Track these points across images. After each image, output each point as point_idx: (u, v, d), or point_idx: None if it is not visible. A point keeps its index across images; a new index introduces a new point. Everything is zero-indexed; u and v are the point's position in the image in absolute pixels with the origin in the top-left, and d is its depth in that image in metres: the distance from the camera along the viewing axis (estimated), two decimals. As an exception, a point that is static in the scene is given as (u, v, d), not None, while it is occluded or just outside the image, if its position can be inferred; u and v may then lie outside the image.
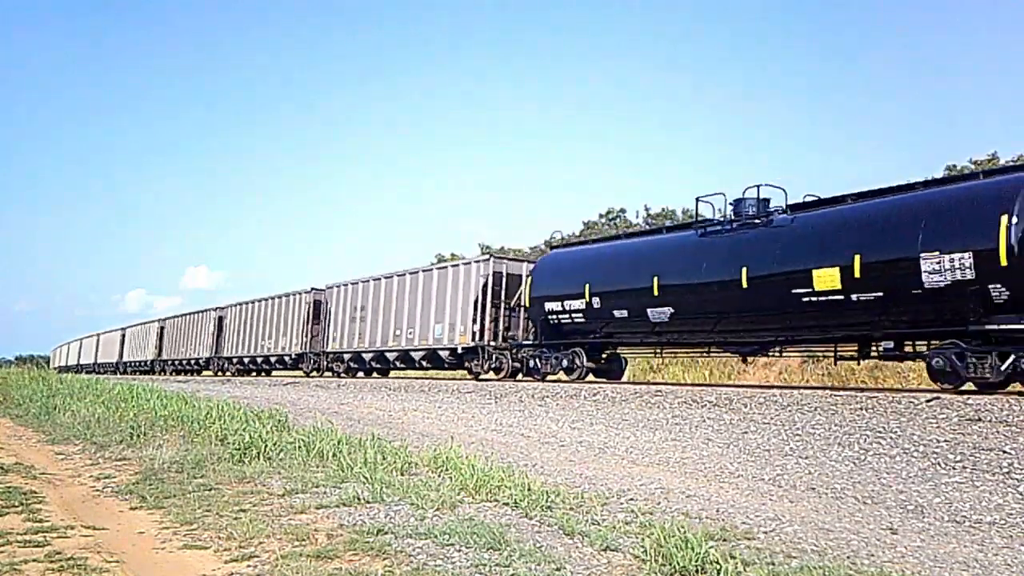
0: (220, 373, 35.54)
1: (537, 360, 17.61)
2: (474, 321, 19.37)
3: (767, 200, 13.86)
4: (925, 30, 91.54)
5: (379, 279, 24.18)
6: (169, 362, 42.08)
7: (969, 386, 10.63)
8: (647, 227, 26.24)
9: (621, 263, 15.78)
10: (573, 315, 16.37)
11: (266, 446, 8.92)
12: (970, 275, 10.36)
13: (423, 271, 22.23)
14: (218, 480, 7.61)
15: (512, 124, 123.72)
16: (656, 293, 14.50)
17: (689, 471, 7.79)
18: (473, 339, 19.43)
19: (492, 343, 19.18)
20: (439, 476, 7.27)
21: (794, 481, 7.20)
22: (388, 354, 23.27)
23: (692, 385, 15.61)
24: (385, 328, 23.37)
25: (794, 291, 12.29)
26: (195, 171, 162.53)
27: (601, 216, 40.34)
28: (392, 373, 24.90)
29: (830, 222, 12.43)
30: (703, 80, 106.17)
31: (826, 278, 11.85)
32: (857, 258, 11.47)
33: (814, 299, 12.05)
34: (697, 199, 14.72)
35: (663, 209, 38.26)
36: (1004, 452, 7.36)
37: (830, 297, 11.84)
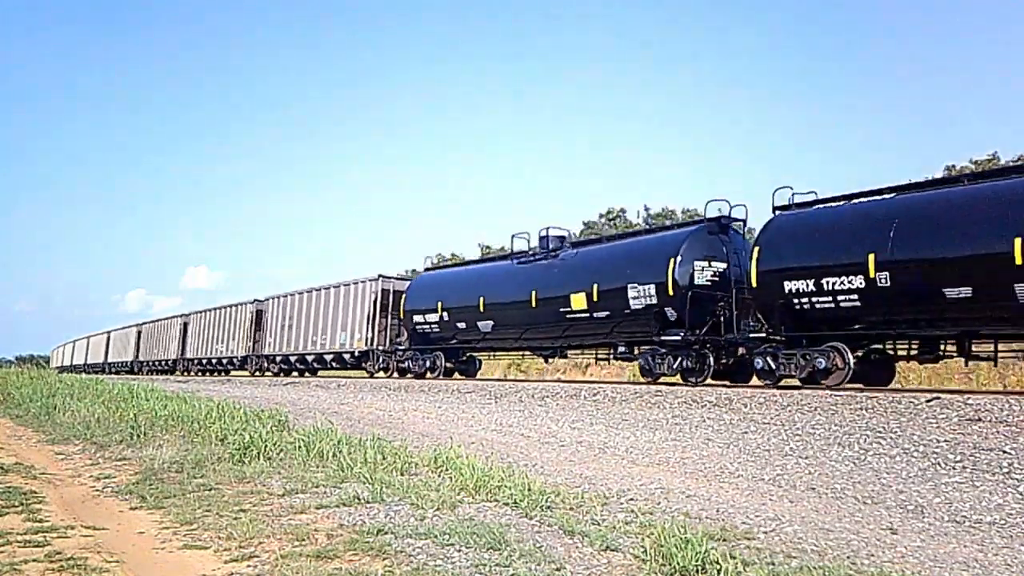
0: (185, 373, 39.54)
1: (410, 362, 22.13)
2: (368, 329, 24.50)
3: (563, 237, 18.23)
4: (925, 30, 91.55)
5: (303, 293, 28.91)
6: (145, 363, 46.11)
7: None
8: (483, 256, 32.01)
9: (461, 285, 20.16)
10: (432, 326, 20.84)
11: (266, 446, 8.91)
12: (654, 300, 14.58)
13: (332, 287, 26.80)
14: (218, 480, 7.61)
15: (512, 124, 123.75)
16: (482, 309, 18.85)
17: (689, 471, 7.79)
18: (367, 344, 24.42)
19: (381, 348, 23.90)
20: (439, 476, 7.26)
21: (794, 481, 7.19)
22: (308, 356, 28.19)
23: (692, 385, 15.61)
24: (306, 335, 28.18)
25: (561, 310, 16.53)
26: (195, 171, 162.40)
27: (601, 216, 40.40)
28: (320, 373, 28.74)
29: (587, 258, 16.72)
30: (703, 80, 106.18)
31: (578, 300, 16.12)
32: (595, 286, 15.78)
33: (573, 316, 16.30)
34: (512, 236, 19.28)
35: (663, 209, 38.35)
36: (1004, 452, 7.36)
37: (581, 315, 16.09)
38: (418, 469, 7.70)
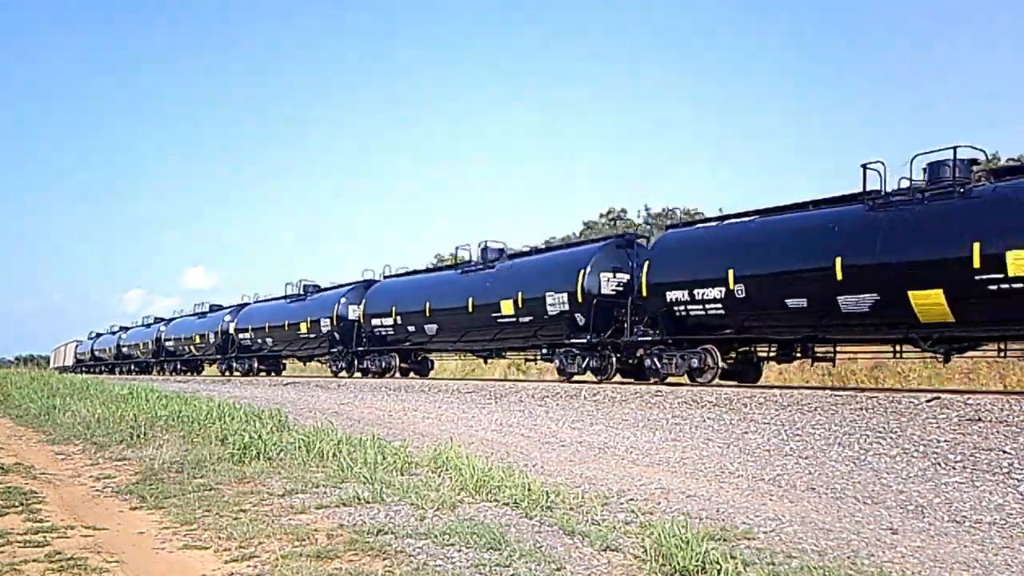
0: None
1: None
2: (87, 355, 59.28)
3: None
4: (925, 29, 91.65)
5: (74, 341, 62.03)
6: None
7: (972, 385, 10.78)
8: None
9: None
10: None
11: (266, 446, 8.91)
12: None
13: (75, 341, 54.53)
14: (218, 480, 7.61)
15: (512, 124, 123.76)
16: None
17: (689, 471, 7.79)
18: (72, 360, 57.86)
19: (81, 362, 49.93)
20: (439, 476, 7.27)
21: (794, 481, 7.19)
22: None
23: (692, 385, 15.60)
24: (68, 355, 60.08)
25: None
26: (194, 171, 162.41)
27: (601, 216, 40.44)
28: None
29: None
30: (703, 79, 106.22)
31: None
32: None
33: None
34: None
35: (663, 209, 38.43)
36: (1004, 452, 7.36)
37: None
38: (418, 469, 7.71)
